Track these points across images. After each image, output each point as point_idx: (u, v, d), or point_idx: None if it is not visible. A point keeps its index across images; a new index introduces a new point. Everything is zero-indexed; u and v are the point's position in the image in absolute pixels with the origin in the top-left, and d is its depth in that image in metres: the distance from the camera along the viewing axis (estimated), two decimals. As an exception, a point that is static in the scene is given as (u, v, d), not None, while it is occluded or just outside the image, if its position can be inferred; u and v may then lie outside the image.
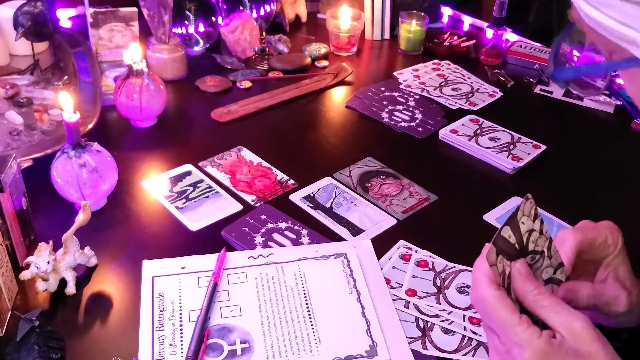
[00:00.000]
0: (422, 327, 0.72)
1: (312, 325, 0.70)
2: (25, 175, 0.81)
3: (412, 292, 0.76)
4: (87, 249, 0.76)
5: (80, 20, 1.35)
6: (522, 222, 0.56)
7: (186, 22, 1.31)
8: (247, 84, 1.24)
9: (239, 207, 0.90)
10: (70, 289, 0.73)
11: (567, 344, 0.51)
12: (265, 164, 1.00)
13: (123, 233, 0.85)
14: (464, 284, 0.78)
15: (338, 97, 1.24)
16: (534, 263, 0.58)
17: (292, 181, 0.96)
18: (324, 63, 1.34)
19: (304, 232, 0.85)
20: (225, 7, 1.36)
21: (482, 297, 0.54)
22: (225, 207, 0.90)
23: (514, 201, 0.94)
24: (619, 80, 1.28)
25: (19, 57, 1.24)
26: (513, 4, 1.35)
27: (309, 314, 0.72)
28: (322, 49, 1.37)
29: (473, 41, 1.45)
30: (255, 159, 1.01)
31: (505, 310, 0.53)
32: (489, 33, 1.42)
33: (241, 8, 1.38)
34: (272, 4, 1.42)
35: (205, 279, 0.75)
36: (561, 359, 0.50)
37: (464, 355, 0.69)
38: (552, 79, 1.18)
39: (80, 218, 0.73)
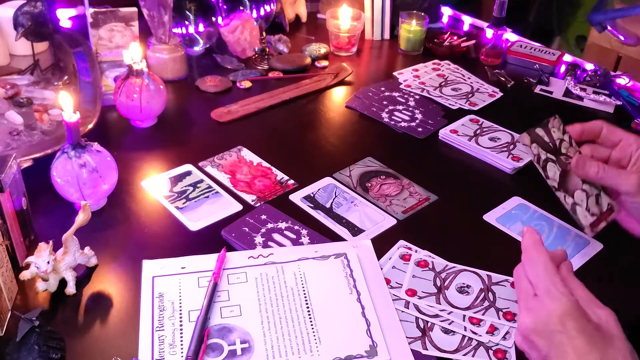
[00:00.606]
0: (422, 327, 0.72)
1: (312, 325, 0.70)
2: (25, 175, 0.81)
3: (412, 292, 0.76)
4: (87, 249, 0.76)
5: (80, 20, 1.35)
6: (553, 131, 0.73)
7: (186, 22, 1.31)
8: (247, 84, 1.24)
9: (239, 207, 0.90)
10: (70, 289, 0.73)
11: (592, 318, 0.57)
12: (265, 164, 1.00)
13: (123, 233, 0.85)
14: (464, 284, 0.78)
15: (338, 97, 1.24)
16: (568, 163, 0.75)
17: (292, 181, 0.96)
18: (324, 63, 1.34)
19: (304, 232, 0.85)
20: (225, 7, 1.36)
21: (536, 256, 0.62)
22: (225, 207, 0.90)
23: (514, 201, 0.94)
24: (619, 81, 1.28)
25: (19, 57, 1.24)
26: (513, 4, 1.35)
27: (309, 314, 0.72)
28: (322, 49, 1.37)
29: (473, 41, 1.45)
30: (255, 159, 1.01)
31: (552, 266, 0.60)
32: (489, 33, 1.42)
33: (241, 8, 1.38)
34: (272, 4, 1.42)
35: (205, 279, 0.75)
36: (584, 324, 0.55)
37: (464, 355, 0.69)
38: (588, 21, 1.37)
39: (80, 218, 0.73)
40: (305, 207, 0.91)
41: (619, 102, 1.22)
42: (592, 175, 0.75)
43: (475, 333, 0.71)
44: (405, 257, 0.82)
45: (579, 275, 0.81)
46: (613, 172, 0.76)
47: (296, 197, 0.93)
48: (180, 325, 0.69)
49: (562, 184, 0.78)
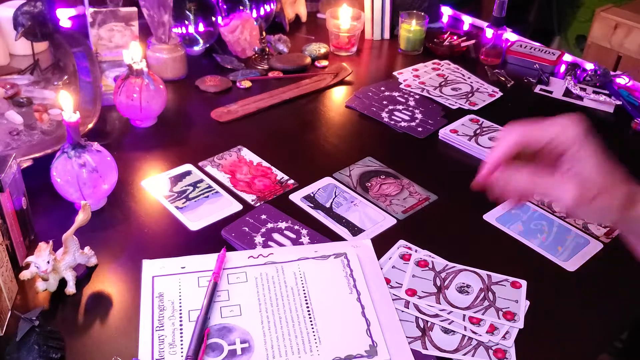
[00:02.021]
0: (422, 326, 0.72)
1: (312, 325, 0.70)
2: (25, 175, 0.81)
3: (412, 292, 0.76)
4: (87, 249, 0.76)
5: (80, 20, 1.35)
6: None
7: (186, 22, 1.31)
8: (247, 83, 1.24)
9: (238, 207, 0.90)
10: (70, 288, 0.73)
11: None
12: (265, 163, 1.00)
13: (123, 233, 0.85)
14: (463, 283, 0.78)
15: (338, 97, 1.24)
16: None
17: (292, 181, 0.96)
18: (324, 63, 1.34)
19: (304, 232, 0.85)
20: (225, 7, 1.36)
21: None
22: (225, 207, 0.90)
23: (514, 201, 0.94)
24: (619, 80, 1.28)
25: (19, 57, 1.24)
26: (513, 4, 1.35)
27: (309, 314, 0.72)
28: (322, 48, 1.37)
29: (473, 41, 1.45)
30: (255, 159, 1.01)
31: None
32: (489, 33, 1.42)
33: (241, 8, 1.38)
34: (272, 4, 1.42)
35: (205, 278, 0.75)
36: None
37: (464, 355, 0.69)
38: None
39: (80, 218, 0.73)
40: (305, 207, 0.91)
41: (618, 102, 1.22)
42: (524, 180, 0.61)
43: (475, 333, 0.71)
44: (405, 257, 0.82)
45: (579, 275, 0.82)
46: (545, 183, 0.60)
47: (296, 197, 0.93)
48: (180, 325, 0.69)
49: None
